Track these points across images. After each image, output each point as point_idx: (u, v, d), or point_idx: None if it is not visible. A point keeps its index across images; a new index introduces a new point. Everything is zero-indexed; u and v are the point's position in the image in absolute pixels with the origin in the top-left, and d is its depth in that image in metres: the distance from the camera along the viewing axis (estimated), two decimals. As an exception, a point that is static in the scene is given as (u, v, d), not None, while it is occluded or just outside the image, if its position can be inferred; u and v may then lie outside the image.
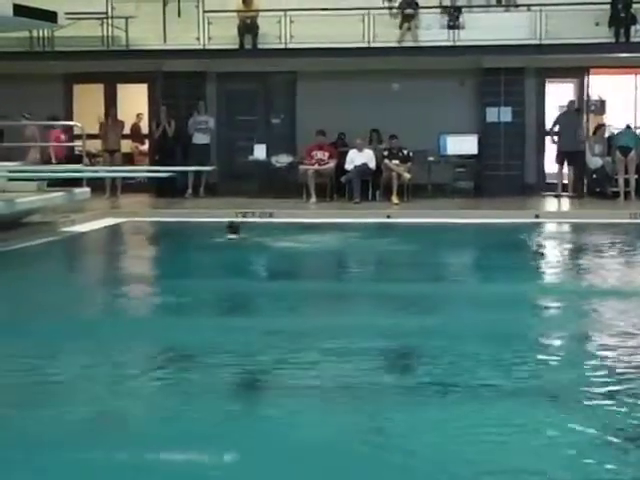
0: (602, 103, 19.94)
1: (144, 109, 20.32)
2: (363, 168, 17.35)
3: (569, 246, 13.42)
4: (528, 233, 14.02)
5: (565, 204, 17.43)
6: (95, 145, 18.53)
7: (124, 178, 18.14)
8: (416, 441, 4.87)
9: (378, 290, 9.67)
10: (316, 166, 17.63)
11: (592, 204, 17.11)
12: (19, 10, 14.53)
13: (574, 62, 18.13)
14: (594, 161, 17.94)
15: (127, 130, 19.98)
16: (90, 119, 18.45)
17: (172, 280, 10.04)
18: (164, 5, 18.38)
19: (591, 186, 18.16)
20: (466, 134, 18.33)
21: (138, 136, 20.89)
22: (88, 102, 19.78)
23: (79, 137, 16.86)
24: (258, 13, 18.23)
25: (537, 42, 17.53)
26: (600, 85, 19.55)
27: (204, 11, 18.05)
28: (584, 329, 7.61)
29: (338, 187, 17.70)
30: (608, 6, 17.42)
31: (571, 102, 18.43)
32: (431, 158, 18.09)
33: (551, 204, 17.56)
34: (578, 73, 18.86)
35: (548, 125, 18.74)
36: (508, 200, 17.06)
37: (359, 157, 17.47)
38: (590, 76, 18.93)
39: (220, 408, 5.47)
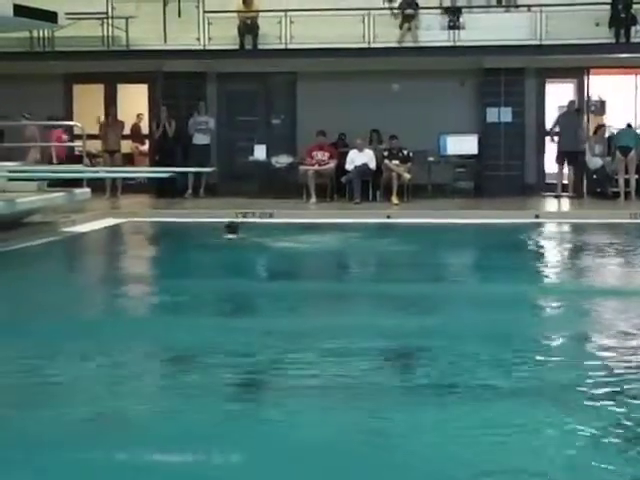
0: (602, 103, 19.95)
1: (144, 109, 20.32)
2: (363, 168, 17.36)
3: (569, 246, 13.42)
4: (528, 233, 14.02)
5: (565, 204, 17.43)
6: (95, 145, 18.53)
7: (124, 178, 18.14)
8: (416, 441, 4.88)
9: (378, 290, 9.67)
10: (316, 166, 17.63)
11: (592, 204, 17.12)
12: (19, 10, 14.54)
13: (574, 62, 18.14)
14: (594, 161, 17.94)
15: (127, 130, 19.98)
16: (90, 119, 18.46)
17: (172, 280, 10.04)
18: (164, 5, 18.38)
19: (591, 186, 18.16)
20: (466, 134, 18.34)
21: (138, 136, 20.89)
22: (88, 102, 19.79)
23: (79, 137, 16.87)
24: (258, 13, 18.24)
25: (537, 42, 17.54)
26: (600, 85, 19.56)
27: (204, 11, 18.05)
28: (584, 329, 7.62)
29: (338, 187, 17.70)
30: (608, 7, 17.43)
31: (571, 102, 18.44)
32: (431, 158, 18.10)
33: (551, 204, 17.56)
34: (578, 73, 18.86)
35: (548, 125, 18.74)
36: (508, 200, 17.06)
37: (359, 157, 17.47)
38: (590, 76, 18.94)
39: (220, 408, 5.47)
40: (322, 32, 17.34)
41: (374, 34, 17.74)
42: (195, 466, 4.65)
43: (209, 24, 18.11)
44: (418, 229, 14.59)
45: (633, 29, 17.44)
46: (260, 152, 18.57)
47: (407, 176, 17.24)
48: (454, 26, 17.81)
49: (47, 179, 14.66)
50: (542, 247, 13.33)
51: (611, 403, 5.42)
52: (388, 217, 15.67)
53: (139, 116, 20.73)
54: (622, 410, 5.30)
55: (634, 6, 17.48)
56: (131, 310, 8.88)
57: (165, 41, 18.24)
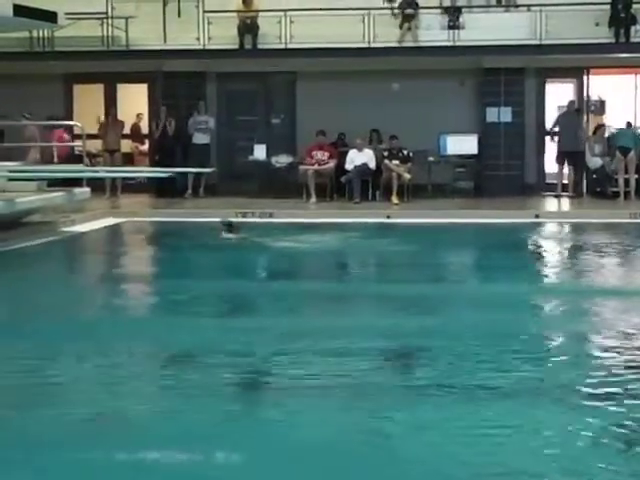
0: (602, 103, 19.96)
1: (144, 109, 20.32)
2: (363, 168, 17.36)
3: (569, 246, 13.42)
4: (528, 233, 14.02)
5: (565, 204, 17.43)
6: (95, 145, 18.54)
7: (124, 178, 18.14)
8: (416, 441, 4.88)
9: (378, 290, 9.68)
10: (316, 166, 17.63)
11: (592, 204, 17.12)
12: (19, 10, 14.54)
13: (574, 62, 18.14)
14: (594, 161, 17.95)
15: (127, 130, 19.97)
16: (90, 119, 18.45)
17: (172, 280, 10.04)
18: (164, 5, 18.38)
19: (591, 186, 18.17)
20: (466, 134, 18.34)
21: (138, 136, 20.89)
22: (88, 102, 19.78)
23: (79, 137, 16.87)
24: (258, 13, 18.24)
25: (537, 42, 17.53)
26: (600, 85, 19.57)
27: (204, 11, 18.05)
28: (584, 329, 7.61)
29: (338, 187, 17.70)
30: (608, 6, 17.43)
31: (571, 102, 18.43)
32: (431, 158, 18.09)
33: (551, 204, 17.56)
34: (578, 73, 18.86)
35: (548, 125, 18.74)
36: (508, 200, 17.05)
37: (359, 157, 17.47)
38: (590, 76, 18.93)
39: (220, 408, 5.47)
40: (322, 32, 17.33)
41: (374, 34, 17.74)
42: (195, 466, 4.65)
43: (209, 24, 18.11)
44: (418, 229, 14.59)
45: (633, 29, 17.43)
46: (260, 152, 18.57)
47: (407, 176, 17.24)
48: (454, 26, 17.81)
49: (47, 179, 14.66)
50: (542, 247, 13.33)
51: (611, 403, 5.42)
52: (388, 217, 15.67)
53: (139, 116, 20.73)
54: (622, 410, 5.30)
55: (634, 6, 17.48)
56: (131, 310, 8.88)
57: (165, 41, 18.24)
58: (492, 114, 18.49)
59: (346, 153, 17.75)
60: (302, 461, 4.62)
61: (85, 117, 18.54)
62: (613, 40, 17.42)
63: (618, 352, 6.68)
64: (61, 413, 5.37)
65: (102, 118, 19.04)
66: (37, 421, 5.20)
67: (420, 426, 5.08)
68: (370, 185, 17.57)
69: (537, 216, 15.60)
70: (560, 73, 18.94)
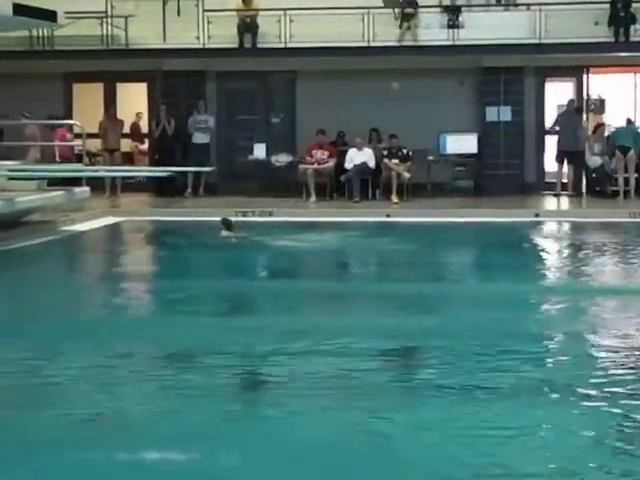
0: (601, 102, 19.95)
1: (144, 108, 20.31)
2: (363, 167, 17.36)
3: (569, 245, 13.42)
4: (528, 232, 14.03)
5: (565, 203, 17.43)
6: (95, 144, 18.53)
7: (124, 177, 18.14)
8: (416, 441, 4.88)
9: (378, 289, 9.69)
10: (316, 165, 17.63)
11: (592, 203, 17.13)
12: (19, 9, 14.53)
13: (573, 61, 18.14)
14: (594, 160, 17.95)
15: (127, 129, 19.96)
16: (90, 118, 18.44)
17: (172, 280, 10.05)
18: (164, 4, 18.37)
19: (591, 185, 18.16)
20: (466, 133, 18.34)
21: (138, 135, 20.88)
22: (88, 101, 19.77)
23: (79, 136, 16.86)
24: (258, 12, 18.23)
25: (537, 41, 17.52)
26: (599, 84, 19.56)
27: (204, 10, 18.04)
28: (584, 329, 7.60)
29: (338, 186, 17.70)
30: (607, 5, 17.42)
31: (571, 101, 18.43)
32: (431, 157, 18.10)
33: (551, 203, 17.57)
34: (577, 72, 18.86)
35: (548, 124, 18.74)
36: (508, 199, 17.05)
37: (359, 156, 17.47)
38: (589, 75, 18.93)
39: (220, 408, 5.47)
40: (321, 31, 17.33)
41: (374, 33, 17.74)
42: (195, 466, 4.65)
43: (208, 23, 18.10)
44: (418, 228, 14.59)
45: (632, 28, 17.42)
46: (260, 151, 18.57)
47: (407, 175, 17.24)
48: (454, 25, 17.80)
49: (47, 178, 14.66)
50: (542, 246, 13.32)
51: (611, 403, 5.41)
52: (388, 216, 15.68)
53: (139, 115, 20.72)
54: (622, 410, 5.30)
55: (633, 5, 17.47)
56: (130, 310, 8.87)
57: (164, 40, 18.23)
58: (492, 113, 18.49)
59: (346, 152, 17.75)
60: (302, 461, 4.62)
61: (85, 116, 18.52)
62: (613, 39, 17.41)
63: (618, 352, 6.67)
64: (61, 413, 5.37)
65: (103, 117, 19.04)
66: (37, 421, 5.20)
67: (420, 426, 5.08)
68: (370, 184, 17.57)
69: (537, 215, 15.61)
70: (560, 72, 18.95)
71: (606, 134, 18.22)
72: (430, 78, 18.52)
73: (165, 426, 5.18)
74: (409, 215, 15.62)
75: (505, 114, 18.47)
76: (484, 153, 18.35)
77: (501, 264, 10.92)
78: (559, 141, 17.98)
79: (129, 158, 20.44)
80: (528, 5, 17.87)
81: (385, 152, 17.61)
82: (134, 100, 20.31)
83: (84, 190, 14.84)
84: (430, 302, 8.71)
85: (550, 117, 18.74)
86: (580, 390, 5.71)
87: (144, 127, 20.43)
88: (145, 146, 20.55)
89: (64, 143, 17.55)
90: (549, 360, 6.64)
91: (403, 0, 18.03)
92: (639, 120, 18.89)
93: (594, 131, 18.38)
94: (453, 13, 17.95)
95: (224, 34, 18.05)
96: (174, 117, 18.60)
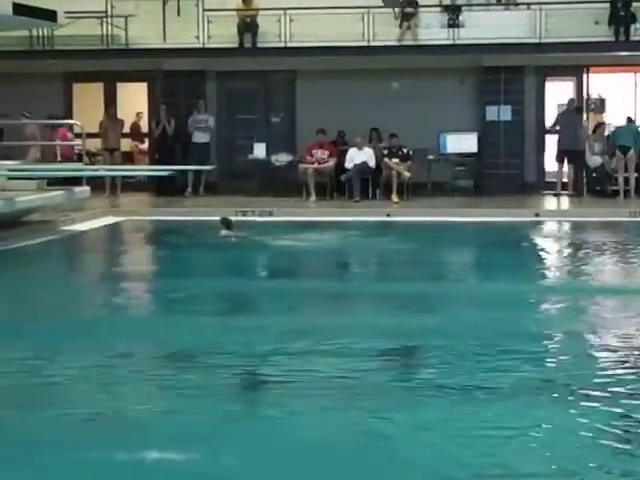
0: (602, 101, 19.95)
1: (144, 108, 20.32)
2: (363, 166, 17.36)
3: (569, 245, 13.41)
4: (528, 232, 14.03)
5: (565, 202, 17.43)
6: (95, 144, 18.53)
7: (124, 177, 18.15)
8: (416, 441, 4.88)
9: (378, 289, 9.69)
10: (316, 165, 17.63)
11: (592, 202, 17.12)
12: (19, 9, 14.53)
13: (574, 60, 18.14)
14: (594, 159, 17.95)
15: (127, 129, 19.97)
16: (90, 118, 18.45)
17: (171, 279, 10.05)
18: (164, 4, 18.37)
19: (591, 184, 18.15)
20: (466, 132, 18.34)
21: (138, 135, 20.89)
22: (88, 101, 19.78)
23: (79, 136, 16.86)
24: (258, 12, 18.23)
25: (537, 41, 17.52)
26: (600, 83, 19.56)
27: (204, 10, 18.05)
28: (584, 328, 7.59)
29: (338, 185, 17.70)
30: (608, 4, 17.43)
31: (571, 101, 18.43)
32: (431, 156, 18.10)
33: (551, 203, 17.56)
34: (578, 71, 18.85)
35: (548, 123, 18.74)
36: (508, 198, 17.05)
37: (359, 155, 17.47)
38: (590, 74, 18.92)
39: (220, 408, 5.47)
40: (321, 30, 17.34)
41: (374, 32, 17.74)
42: (195, 466, 4.65)
43: (208, 22, 18.11)
44: (418, 227, 14.59)
45: (632, 27, 17.42)
46: (260, 150, 18.58)
47: (407, 174, 17.24)
48: (454, 24, 17.80)
49: (46, 178, 14.66)
50: (542, 245, 13.32)
51: (611, 403, 5.41)
52: (388, 215, 15.68)
53: (139, 114, 20.72)
54: (622, 410, 5.30)
55: (633, 4, 17.46)
56: (131, 309, 8.86)
57: (164, 39, 18.24)
58: (492, 112, 18.49)
59: (346, 151, 17.75)
60: (302, 461, 4.62)
61: (85, 116, 18.52)
62: (613, 38, 17.41)
63: (618, 352, 6.68)
64: (61, 413, 5.37)
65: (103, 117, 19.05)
66: (37, 421, 5.20)
67: (420, 426, 5.08)
68: (370, 183, 17.58)
69: (537, 215, 15.61)
70: (560, 71, 18.95)
71: (606, 133, 18.22)
72: (430, 77, 18.52)
73: (165, 426, 5.18)
74: (409, 214, 15.62)
75: (505, 113, 18.47)
76: (484, 152, 18.35)
77: (501, 264, 10.92)
78: (559, 140, 17.98)
79: (129, 158, 20.45)
80: (528, 4, 17.86)
81: (385, 151, 17.61)
82: (134, 100, 20.32)
83: (84, 190, 14.85)
84: (430, 302, 8.71)
85: (550, 116, 18.74)
86: (580, 390, 5.71)
87: (144, 127, 20.43)
88: (145, 146, 20.56)
89: (65, 142, 17.54)
90: (549, 360, 6.64)
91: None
92: (639, 119, 18.89)
93: (594, 130, 18.38)
94: (453, 12, 17.95)
95: (224, 34, 18.06)
96: (174, 117, 18.60)
